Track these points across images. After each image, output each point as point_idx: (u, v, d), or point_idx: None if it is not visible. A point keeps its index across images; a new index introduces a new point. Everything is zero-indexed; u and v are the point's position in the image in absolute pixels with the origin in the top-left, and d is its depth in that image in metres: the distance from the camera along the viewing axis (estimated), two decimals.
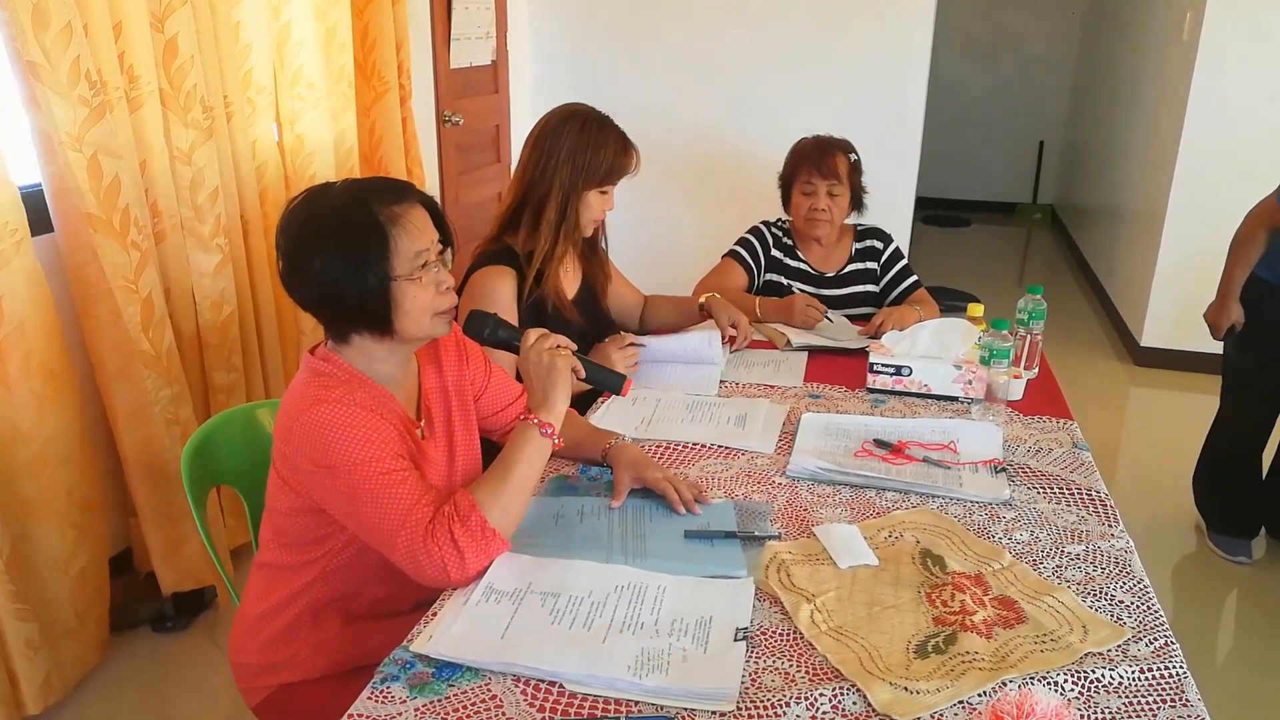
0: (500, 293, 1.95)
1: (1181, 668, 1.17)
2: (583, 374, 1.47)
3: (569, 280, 2.13)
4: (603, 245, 2.21)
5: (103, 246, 2.14)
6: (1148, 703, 1.12)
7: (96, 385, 2.30)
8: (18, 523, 2.06)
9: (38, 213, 2.13)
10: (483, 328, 1.51)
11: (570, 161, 1.95)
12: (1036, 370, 2.14)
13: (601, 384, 1.52)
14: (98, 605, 2.28)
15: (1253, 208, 2.67)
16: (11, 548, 2.01)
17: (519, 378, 1.57)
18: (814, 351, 2.28)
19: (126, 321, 2.20)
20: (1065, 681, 1.14)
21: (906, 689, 1.12)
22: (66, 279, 2.21)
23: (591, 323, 2.12)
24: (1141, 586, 1.35)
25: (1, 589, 1.98)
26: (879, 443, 1.76)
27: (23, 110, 2.03)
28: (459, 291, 1.98)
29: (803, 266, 2.58)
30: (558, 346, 1.44)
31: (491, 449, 1.57)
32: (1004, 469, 1.67)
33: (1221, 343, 2.85)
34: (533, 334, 1.46)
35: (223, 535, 2.63)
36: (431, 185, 3.80)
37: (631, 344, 2.08)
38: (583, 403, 1.93)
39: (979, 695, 1.11)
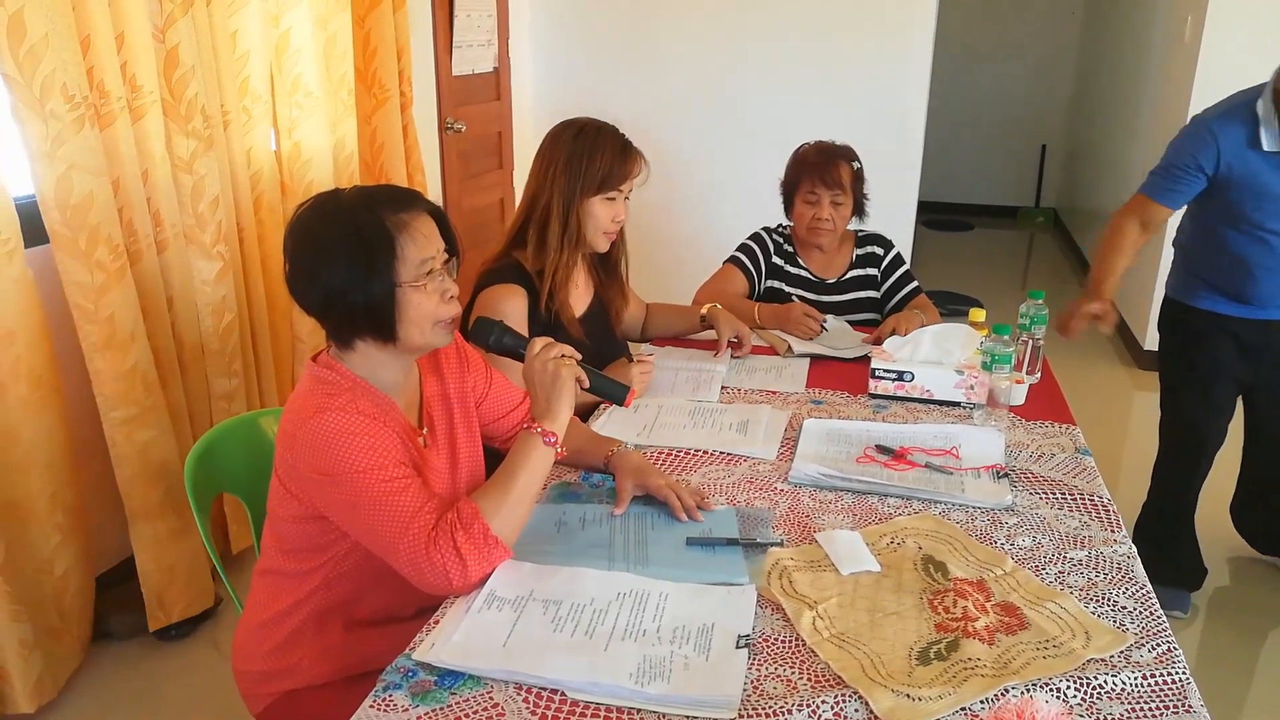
0: (511, 311, 1.93)
1: (1184, 673, 1.17)
2: (587, 384, 1.47)
3: (578, 297, 2.11)
4: (623, 268, 2.17)
5: (64, 264, 2.11)
6: (1151, 709, 1.11)
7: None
8: (6, 526, 2.08)
9: (35, 223, 2.14)
10: (488, 335, 1.51)
11: (567, 171, 1.95)
12: (1039, 375, 2.14)
13: (605, 394, 1.52)
14: (80, 608, 2.29)
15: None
16: (7, 550, 2.03)
17: None
18: (816, 357, 2.28)
19: (82, 340, 2.17)
20: (1068, 688, 1.14)
21: (909, 696, 1.12)
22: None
23: (596, 343, 2.08)
24: (1144, 592, 1.35)
25: None
26: (881, 448, 1.76)
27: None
28: (468, 307, 1.98)
29: (803, 273, 2.58)
30: (562, 356, 1.44)
31: (494, 456, 1.58)
32: (1006, 474, 1.67)
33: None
34: (538, 343, 1.46)
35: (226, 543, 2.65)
36: (434, 192, 3.81)
37: (647, 360, 2.08)
38: (585, 411, 1.93)
39: (981, 702, 1.11)
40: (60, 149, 2.05)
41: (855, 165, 2.51)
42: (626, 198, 2.02)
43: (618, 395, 1.52)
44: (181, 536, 2.43)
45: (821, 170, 2.46)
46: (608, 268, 2.16)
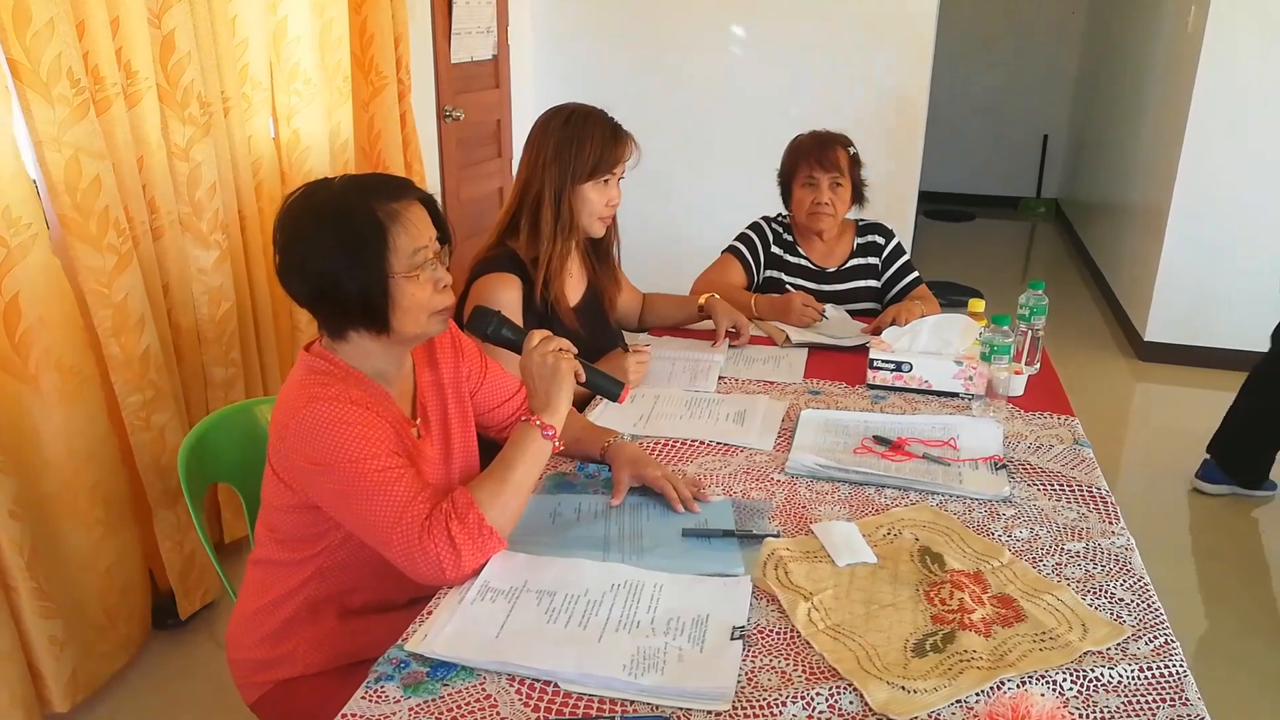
0: (506, 301, 1.92)
1: (1181, 666, 1.16)
2: (583, 378, 1.46)
3: (572, 287, 2.10)
4: (615, 254, 2.16)
5: (76, 248, 2.10)
6: (1147, 702, 1.11)
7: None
8: (41, 520, 2.04)
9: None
10: (486, 325, 1.50)
11: (557, 159, 1.93)
12: (1038, 366, 2.13)
13: (600, 390, 1.51)
14: (129, 603, 2.27)
15: None
16: (33, 545, 1.99)
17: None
18: (814, 347, 2.27)
19: (97, 325, 2.16)
20: (1064, 680, 1.13)
21: (904, 688, 1.11)
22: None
23: (591, 332, 2.08)
24: (1142, 584, 1.34)
25: (24, 585, 1.96)
26: (878, 439, 1.75)
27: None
28: (463, 295, 1.97)
29: (803, 262, 2.57)
30: (560, 349, 1.43)
31: (487, 446, 1.57)
32: (1004, 466, 1.66)
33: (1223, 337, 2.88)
34: (536, 335, 1.45)
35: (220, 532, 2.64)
36: (432, 180, 3.79)
37: (642, 349, 2.07)
38: (582, 401, 1.92)
39: (977, 694, 1.11)
40: (67, 133, 2.03)
41: (851, 150, 2.50)
42: (620, 179, 2.01)
43: (612, 391, 1.51)
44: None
45: (818, 154, 2.45)
46: (600, 254, 2.15)
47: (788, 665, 1.16)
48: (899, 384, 2.01)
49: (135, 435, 2.28)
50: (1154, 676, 1.15)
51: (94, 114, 2.10)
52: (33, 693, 2.03)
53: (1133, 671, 1.15)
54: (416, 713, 1.08)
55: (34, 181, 2.10)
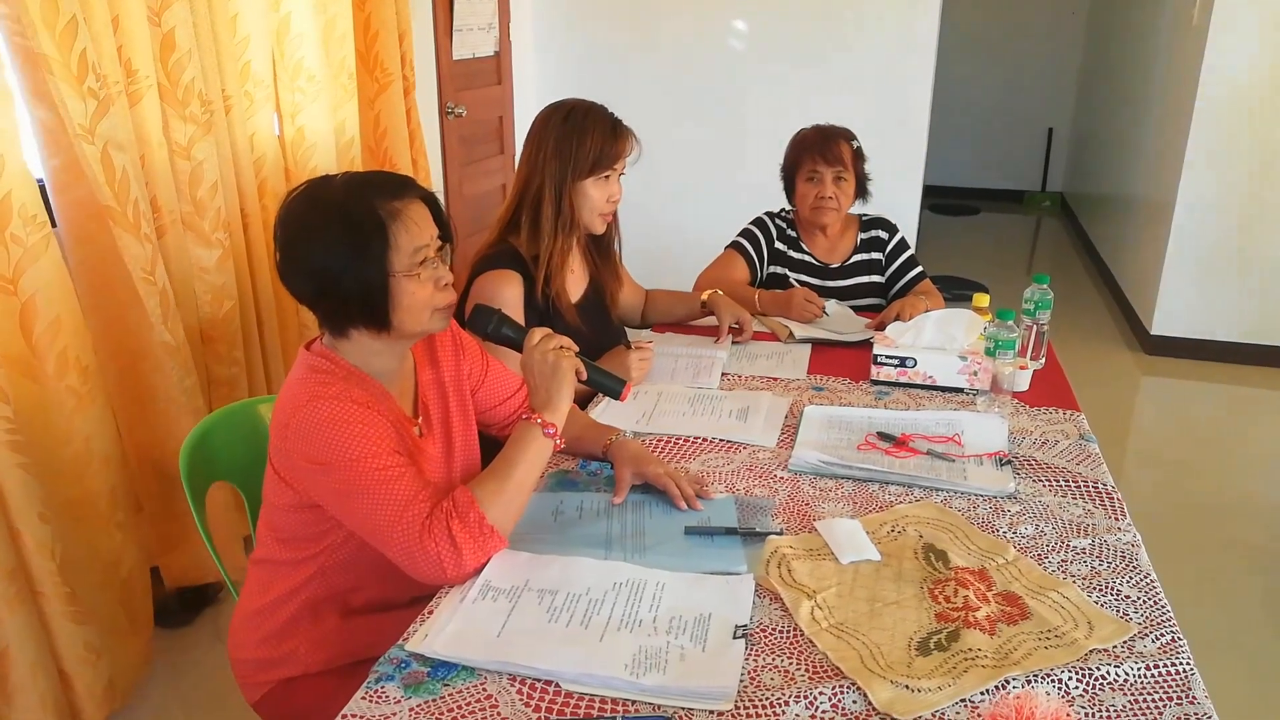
0: (507, 298, 1.91)
1: (1189, 664, 1.16)
2: (585, 376, 1.45)
3: (574, 283, 2.09)
4: (616, 249, 2.16)
5: (122, 239, 2.11)
6: (1154, 700, 1.10)
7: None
8: (66, 524, 2.03)
9: None
10: (486, 324, 1.50)
11: (557, 155, 1.92)
12: (1043, 361, 2.12)
13: (601, 388, 1.51)
14: (145, 607, 2.27)
15: None
16: (64, 549, 1.98)
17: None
18: (817, 343, 2.26)
19: (150, 313, 2.17)
20: (1069, 679, 1.13)
21: (908, 687, 1.10)
22: (72, 275, 2.19)
23: (593, 329, 2.07)
24: (1148, 581, 1.33)
25: (55, 591, 1.95)
26: (882, 435, 1.74)
27: (24, 104, 2.01)
28: (464, 293, 1.96)
29: (806, 258, 2.56)
30: (561, 347, 1.43)
31: (489, 445, 1.56)
32: (1009, 461, 1.65)
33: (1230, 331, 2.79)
34: (537, 333, 1.44)
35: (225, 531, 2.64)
36: (435, 177, 3.78)
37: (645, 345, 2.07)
38: (584, 398, 1.91)
39: (981, 693, 1.10)
40: (98, 126, 2.04)
41: (854, 144, 2.49)
42: (621, 175, 2.00)
43: (614, 389, 1.50)
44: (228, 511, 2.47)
45: (822, 148, 2.44)
46: (602, 250, 2.14)
47: (791, 664, 1.15)
48: (903, 380, 2.00)
49: (195, 420, 2.27)
50: (1161, 674, 1.14)
51: (113, 109, 2.11)
52: (65, 702, 2.00)
53: (1139, 669, 1.14)
54: (417, 713, 1.07)
55: (38, 181, 2.10)
